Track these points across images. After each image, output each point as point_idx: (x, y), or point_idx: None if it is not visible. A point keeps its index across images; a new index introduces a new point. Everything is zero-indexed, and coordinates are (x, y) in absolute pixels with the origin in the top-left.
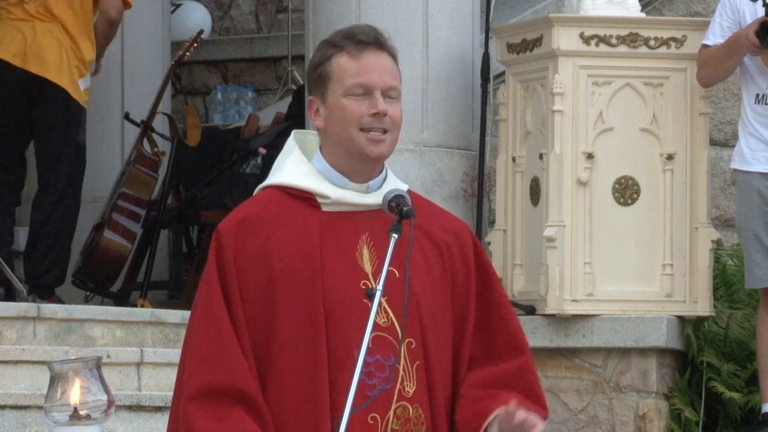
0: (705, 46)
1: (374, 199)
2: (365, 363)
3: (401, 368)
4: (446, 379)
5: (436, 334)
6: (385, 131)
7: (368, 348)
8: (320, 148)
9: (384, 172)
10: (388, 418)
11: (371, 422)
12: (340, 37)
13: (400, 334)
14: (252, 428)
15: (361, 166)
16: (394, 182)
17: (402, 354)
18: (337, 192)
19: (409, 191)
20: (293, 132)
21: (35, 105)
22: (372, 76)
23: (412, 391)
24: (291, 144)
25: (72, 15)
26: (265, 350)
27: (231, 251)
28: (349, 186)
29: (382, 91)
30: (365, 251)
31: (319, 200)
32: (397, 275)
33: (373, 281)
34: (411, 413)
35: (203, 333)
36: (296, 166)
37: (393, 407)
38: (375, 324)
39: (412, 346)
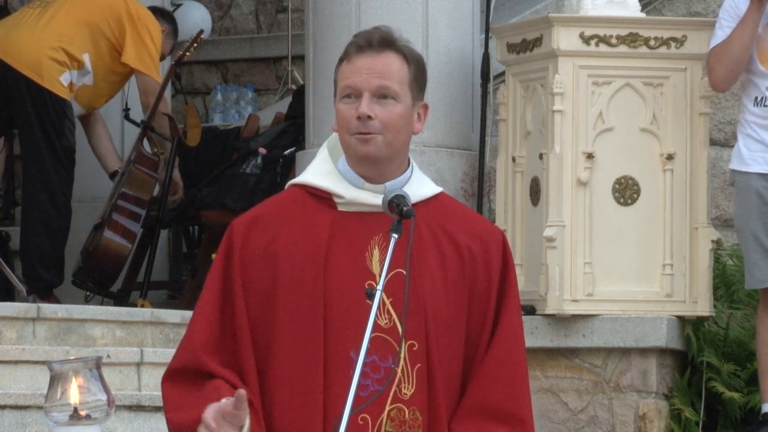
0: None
1: None
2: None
3: (399, 370)
4: (452, 382)
5: (442, 337)
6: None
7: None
8: None
9: (408, 172)
10: (382, 420)
11: (361, 423)
12: (349, 43)
13: (400, 335)
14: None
15: (362, 169)
16: (420, 184)
17: (402, 356)
18: (352, 192)
19: (442, 193)
20: (334, 133)
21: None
22: (357, 78)
23: (409, 394)
24: (324, 144)
25: None
26: (265, 348)
27: (239, 248)
28: (365, 187)
29: (371, 92)
30: (376, 252)
31: (335, 200)
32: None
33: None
34: (407, 415)
35: (192, 321)
36: (319, 166)
37: (387, 409)
38: (376, 325)
39: (414, 348)
